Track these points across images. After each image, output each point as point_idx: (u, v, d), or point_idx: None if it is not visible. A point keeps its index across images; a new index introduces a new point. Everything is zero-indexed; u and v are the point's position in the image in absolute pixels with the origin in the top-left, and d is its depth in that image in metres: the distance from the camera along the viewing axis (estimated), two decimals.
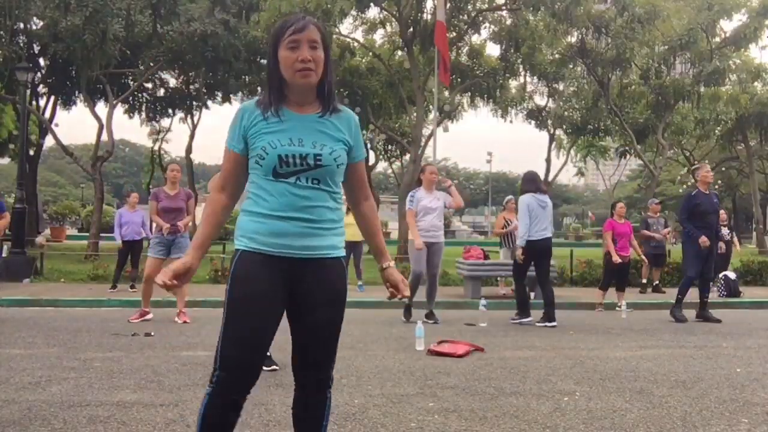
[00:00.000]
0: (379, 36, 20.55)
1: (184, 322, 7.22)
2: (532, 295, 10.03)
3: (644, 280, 11.68)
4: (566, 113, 22.60)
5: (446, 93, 19.93)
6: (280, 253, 2.09)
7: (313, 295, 2.14)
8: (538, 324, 7.50)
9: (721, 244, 10.99)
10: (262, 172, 2.10)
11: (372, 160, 23.64)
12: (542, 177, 25.37)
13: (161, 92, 21.61)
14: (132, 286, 10.36)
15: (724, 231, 11.82)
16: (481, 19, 18.04)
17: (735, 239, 13.02)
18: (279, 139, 2.09)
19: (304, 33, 2.08)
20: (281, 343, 2.69)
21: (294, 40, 2.08)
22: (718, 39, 18.58)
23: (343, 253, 2.24)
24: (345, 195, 2.33)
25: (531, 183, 7.77)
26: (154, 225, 7.32)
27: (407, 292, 2.31)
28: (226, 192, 2.19)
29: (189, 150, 23.48)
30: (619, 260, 8.90)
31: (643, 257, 10.38)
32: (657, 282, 11.76)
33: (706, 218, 7.86)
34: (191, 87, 20.28)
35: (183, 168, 10.20)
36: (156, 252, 7.16)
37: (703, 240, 7.73)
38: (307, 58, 2.07)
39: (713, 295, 9.92)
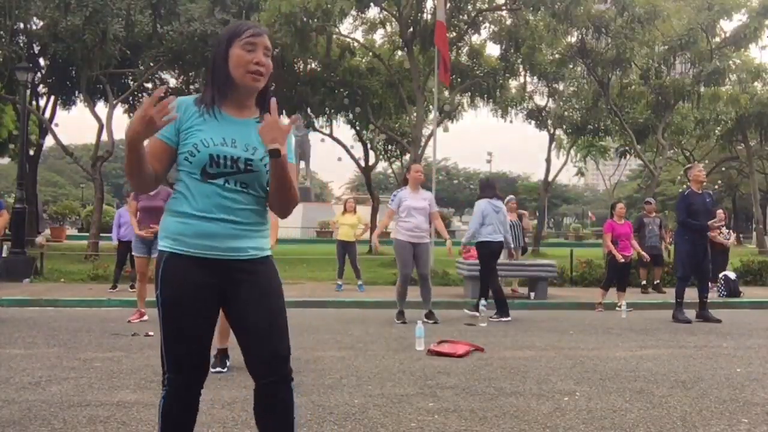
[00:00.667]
0: (379, 36, 20.49)
1: None
2: (532, 295, 10.12)
3: (644, 282, 11.67)
4: (566, 113, 22.56)
5: (446, 93, 19.86)
6: (206, 254, 2.08)
7: (248, 294, 2.14)
8: (491, 319, 7.74)
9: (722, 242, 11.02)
10: (191, 169, 2.09)
11: (372, 160, 23.57)
12: (542, 177, 25.75)
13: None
14: (132, 286, 10.35)
15: (724, 230, 11.83)
16: (481, 19, 17.98)
17: (731, 238, 12.99)
18: (212, 138, 2.09)
19: (261, 38, 2.13)
20: None
21: (251, 42, 2.11)
22: (718, 39, 18.54)
23: (269, 252, 2.22)
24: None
25: (488, 189, 8.31)
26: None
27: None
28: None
29: None
30: (623, 259, 8.95)
31: (644, 254, 10.15)
32: (657, 281, 11.76)
33: (699, 218, 7.91)
34: (191, 87, 20.24)
35: None
36: (140, 251, 7.27)
37: (717, 216, 7.97)
38: (262, 62, 2.12)
39: (713, 295, 9.92)
